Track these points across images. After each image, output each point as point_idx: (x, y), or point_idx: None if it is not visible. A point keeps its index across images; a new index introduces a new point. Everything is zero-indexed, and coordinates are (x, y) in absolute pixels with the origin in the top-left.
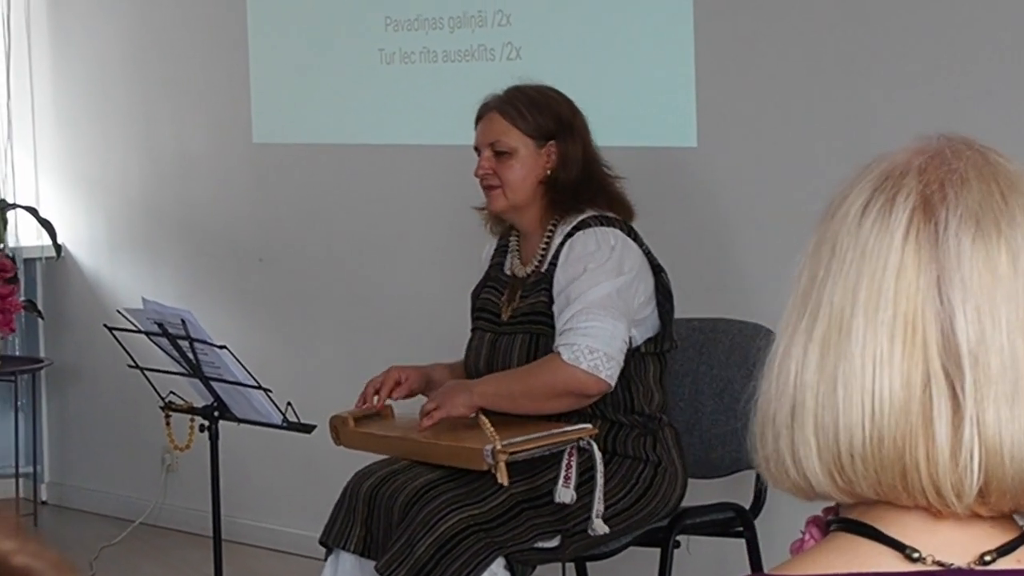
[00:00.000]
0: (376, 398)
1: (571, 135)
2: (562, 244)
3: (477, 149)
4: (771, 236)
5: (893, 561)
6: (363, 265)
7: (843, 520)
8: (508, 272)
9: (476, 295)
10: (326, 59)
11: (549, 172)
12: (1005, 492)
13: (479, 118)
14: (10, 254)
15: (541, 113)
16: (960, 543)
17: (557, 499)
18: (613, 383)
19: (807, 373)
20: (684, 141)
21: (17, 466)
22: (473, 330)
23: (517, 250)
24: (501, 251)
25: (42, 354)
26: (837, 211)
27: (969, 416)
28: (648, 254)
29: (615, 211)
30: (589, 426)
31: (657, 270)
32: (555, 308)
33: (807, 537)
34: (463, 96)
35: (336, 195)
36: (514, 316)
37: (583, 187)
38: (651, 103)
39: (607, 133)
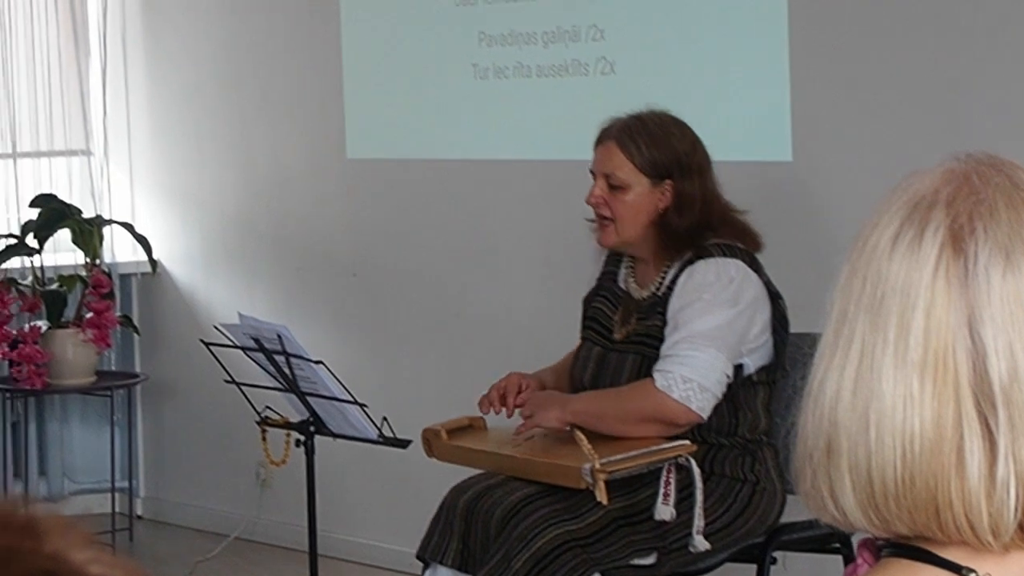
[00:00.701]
0: (502, 405)
1: (689, 175)
2: (681, 270)
3: (593, 174)
4: None
5: None
6: (456, 280)
7: (896, 544)
8: (623, 287)
9: (588, 302)
10: (420, 74)
11: (662, 210)
12: None
13: (598, 143)
14: (106, 270)
15: (660, 150)
16: (1014, 567)
17: (657, 516)
18: (705, 416)
19: (840, 411)
20: (779, 155)
21: (113, 481)
22: (583, 339)
23: (632, 267)
24: (614, 260)
25: (138, 369)
26: (867, 242)
27: (1004, 453)
28: (768, 283)
29: (740, 241)
30: (688, 443)
31: (775, 297)
32: (665, 332)
33: (860, 562)
34: (557, 111)
35: (429, 210)
36: (627, 338)
37: (699, 228)
38: (746, 117)
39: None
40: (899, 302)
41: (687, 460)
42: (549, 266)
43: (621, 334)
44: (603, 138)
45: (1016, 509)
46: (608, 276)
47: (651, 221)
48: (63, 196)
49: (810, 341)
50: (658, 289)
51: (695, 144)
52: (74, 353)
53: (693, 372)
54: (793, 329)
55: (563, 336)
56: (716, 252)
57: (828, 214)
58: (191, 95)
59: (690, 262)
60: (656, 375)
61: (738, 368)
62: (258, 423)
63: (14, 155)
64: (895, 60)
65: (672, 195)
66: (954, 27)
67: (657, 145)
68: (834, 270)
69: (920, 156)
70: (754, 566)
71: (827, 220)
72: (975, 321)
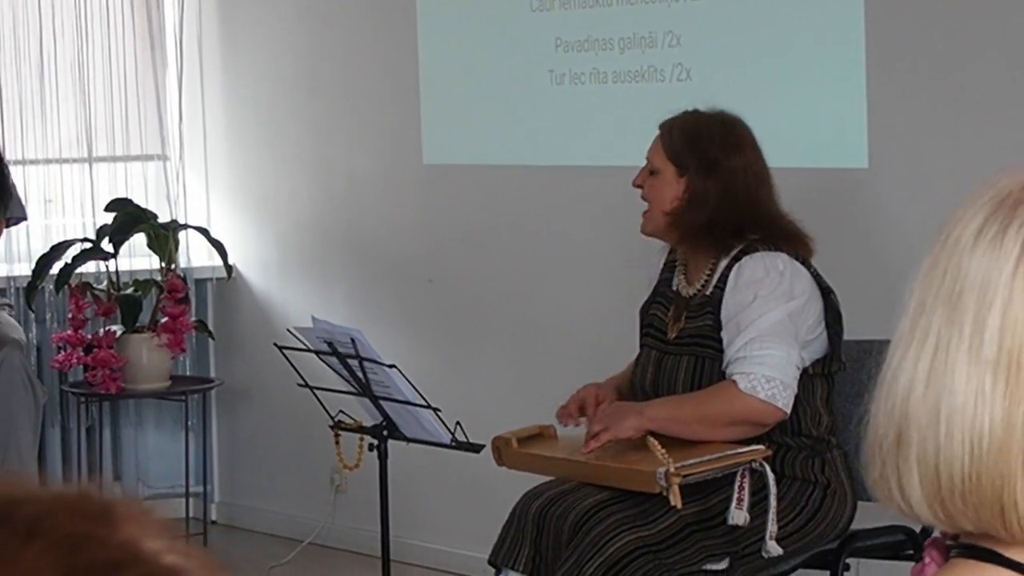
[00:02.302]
0: (581, 416)
1: (708, 174)
2: (728, 268)
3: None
4: None
5: None
6: (531, 286)
7: (964, 545)
8: (675, 288)
9: (645, 311)
10: (496, 80)
11: (675, 204)
12: None
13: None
14: (181, 274)
15: (688, 143)
16: None
17: (731, 521)
18: (789, 411)
19: (912, 403)
20: (855, 162)
21: (188, 485)
22: (642, 346)
23: (683, 265)
24: (670, 266)
25: (212, 374)
26: (950, 235)
27: None
28: (816, 276)
29: (786, 242)
30: (762, 447)
31: (826, 292)
32: (724, 335)
33: (927, 560)
34: (633, 117)
35: (505, 216)
36: (680, 337)
37: (716, 226)
38: (822, 123)
39: (777, 154)
40: (977, 298)
41: (761, 464)
42: (625, 273)
43: (674, 332)
44: (660, 127)
45: None
46: (663, 282)
47: (671, 211)
48: (139, 201)
49: (878, 347)
50: (705, 287)
51: (733, 148)
52: (149, 358)
53: (773, 371)
54: (858, 335)
55: (636, 345)
56: (760, 247)
57: (903, 222)
58: (266, 101)
59: (736, 259)
60: (738, 378)
61: None
62: (331, 427)
63: (90, 159)
64: (973, 67)
65: (685, 188)
66: None
67: (687, 138)
68: (906, 276)
69: (996, 164)
70: (827, 573)
71: (901, 228)
72: None
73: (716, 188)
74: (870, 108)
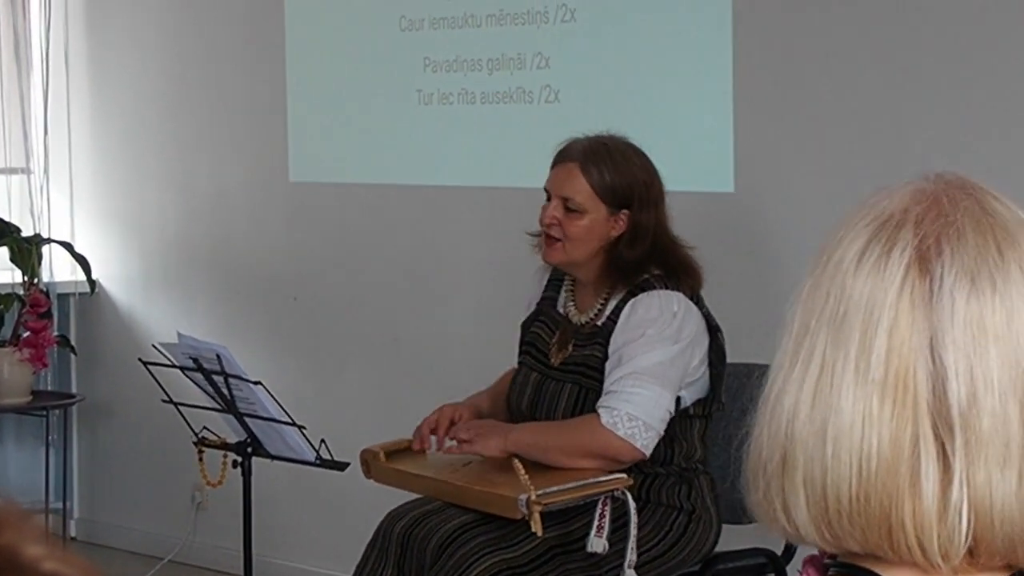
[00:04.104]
0: (433, 439)
1: (646, 206)
2: (623, 302)
3: (548, 192)
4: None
5: None
6: (398, 305)
7: (842, 564)
8: (562, 312)
9: (526, 327)
10: (364, 98)
11: (614, 238)
12: (994, 553)
13: (558, 162)
14: (44, 289)
15: (622, 180)
16: None
17: (590, 548)
18: (648, 452)
19: (797, 424)
20: (722, 186)
21: (48, 501)
22: (520, 364)
23: (572, 292)
24: (554, 285)
25: (74, 389)
26: (831, 256)
27: (959, 477)
28: (707, 316)
29: (682, 277)
30: (624, 476)
31: (713, 330)
32: (607, 366)
33: None
34: (501, 138)
35: (372, 235)
36: (565, 363)
37: (648, 258)
38: (689, 147)
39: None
40: (862, 320)
41: (623, 493)
42: (489, 293)
43: (558, 359)
44: (564, 158)
45: (967, 534)
46: (547, 301)
47: (601, 247)
48: (2, 214)
49: (751, 371)
50: (597, 317)
51: (654, 175)
52: (10, 372)
53: (638, 410)
54: (734, 359)
55: (502, 362)
56: (658, 284)
57: (770, 245)
58: (134, 115)
59: (632, 294)
60: (602, 412)
61: (675, 401)
62: (195, 443)
63: None
64: (839, 91)
65: (627, 225)
66: (895, 60)
67: (620, 174)
68: (776, 300)
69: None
70: None
71: (769, 251)
72: (937, 344)
73: (654, 221)
74: (736, 132)
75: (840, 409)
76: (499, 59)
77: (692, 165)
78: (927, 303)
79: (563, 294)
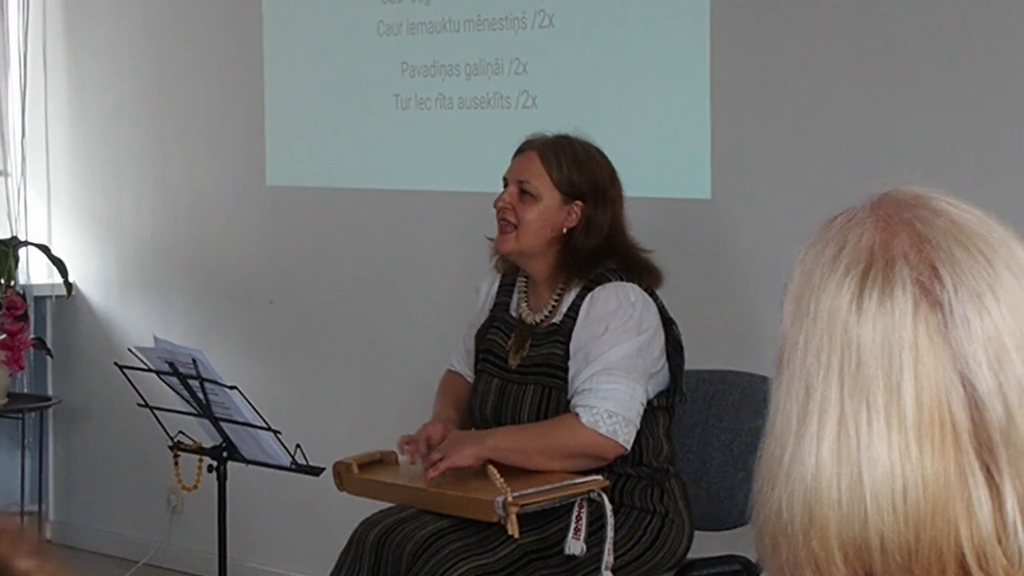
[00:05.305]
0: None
1: (602, 203)
2: (580, 297)
3: (506, 181)
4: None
5: None
6: (375, 310)
7: None
8: (515, 315)
9: (481, 335)
10: (341, 103)
11: (566, 230)
12: None
13: (519, 152)
14: (20, 291)
15: (579, 171)
16: None
17: (567, 551)
18: (629, 447)
19: (822, 483)
20: (698, 193)
21: (23, 504)
22: (479, 372)
23: (525, 292)
24: (506, 290)
25: (50, 392)
26: (818, 307)
27: (1009, 491)
28: (662, 308)
29: (638, 272)
30: (600, 478)
31: (668, 323)
32: (571, 364)
33: None
34: (478, 143)
35: (348, 239)
36: (524, 365)
37: (601, 254)
38: (666, 154)
39: (623, 183)
40: (883, 366)
41: (599, 495)
42: (468, 298)
43: (516, 360)
44: (525, 148)
45: None
46: (500, 307)
47: (553, 237)
48: None
49: (726, 377)
50: (552, 314)
51: (613, 176)
52: None
53: (616, 405)
54: (709, 365)
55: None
56: (613, 277)
57: (744, 252)
58: (111, 118)
59: (588, 288)
60: (580, 411)
61: None
62: (171, 448)
63: None
64: (816, 99)
65: (580, 217)
66: (873, 66)
67: (579, 167)
68: (752, 306)
69: (838, 198)
70: None
71: (743, 258)
72: (964, 369)
73: (609, 218)
74: (714, 138)
75: (874, 460)
76: (477, 64)
77: (669, 171)
78: (943, 333)
79: (515, 296)
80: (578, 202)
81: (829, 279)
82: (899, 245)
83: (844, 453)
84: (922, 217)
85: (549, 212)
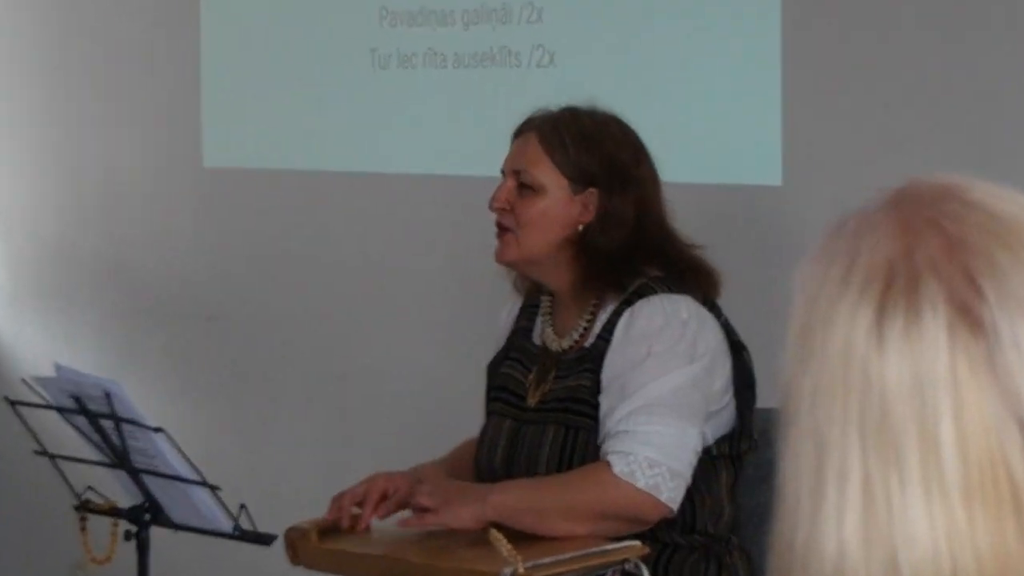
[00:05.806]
0: (355, 513)
1: (621, 187)
2: (616, 314)
3: (503, 173)
4: None
5: None
6: (342, 327)
7: None
8: (538, 343)
9: (494, 368)
10: (301, 62)
11: (580, 228)
12: None
13: (516, 134)
14: None
15: (588, 149)
16: None
17: None
18: (676, 507)
19: (847, 568)
20: (767, 179)
21: None
22: (489, 414)
23: (550, 314)
24: (528, 314)
25: None
26: (827, 343)
27: None
28: (727, 327)
29: (690, 279)
30: (638, 543)
31: (737, 349)
32: (603, 399)
33: None
34: (479, 112)
35: (308, 237)
36: (544, 401)
37: (632, 254)
38: (724, 131)
39: (667, 167)
40: (914, 412)
41: (636, 566)
42: (461, 312)
43: (535, 397)
44: (523, 129)
45: None
46: (521, 334)
47: (566, 238)
48: None
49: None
50: (583, 337)
51: (638, 153)
52: None
53: (660, 453)
54: (771, 400)
55: (476, 404)
56: (659, 288)
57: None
58: (3, 91)
59: (627, 303)
60: (613, 459)
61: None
62: (76, 508)
63: None
64: (894, 79)
65: (596, 208)
66: (949, 51)
67: (587, 144)
68: None
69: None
70: None
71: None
72: (1018, 407)
73: (633, 208)
74: (785, 116)
75: (911, 537)
76: (478, 10)
77: (730, 153)
78: (989, 362)
79: (539, 320)
80: (592, 189)
81: (839, 305)
82: (925, 253)
83: (872, 531)
84: (951, 213)
85: (556, 206)
